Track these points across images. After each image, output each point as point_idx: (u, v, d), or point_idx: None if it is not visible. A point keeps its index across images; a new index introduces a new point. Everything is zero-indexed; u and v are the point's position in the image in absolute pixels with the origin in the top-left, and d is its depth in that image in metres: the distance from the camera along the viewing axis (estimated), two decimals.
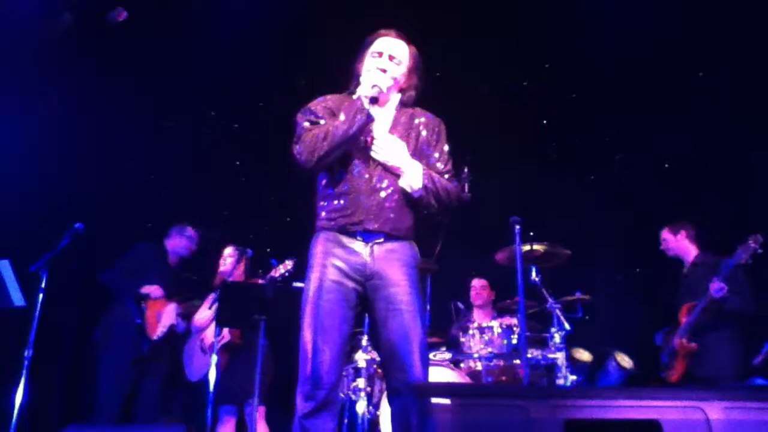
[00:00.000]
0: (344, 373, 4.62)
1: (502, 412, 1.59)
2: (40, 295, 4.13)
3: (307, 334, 2.59)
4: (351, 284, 2.65)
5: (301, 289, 3.12)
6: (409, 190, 2.72)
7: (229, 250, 5.00)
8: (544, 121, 6.90)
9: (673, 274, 5.15)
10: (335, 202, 2.73)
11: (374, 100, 2.68)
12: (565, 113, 6.64)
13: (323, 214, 2.76)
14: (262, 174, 6.81)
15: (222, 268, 4.95)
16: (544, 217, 5.72)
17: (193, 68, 6.25)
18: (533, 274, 4.59)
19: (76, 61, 6.02)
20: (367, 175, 2.71)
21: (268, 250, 5.08)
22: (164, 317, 4.95)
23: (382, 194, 2.70)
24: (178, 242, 5.27)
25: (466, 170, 4.09)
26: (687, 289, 4.88)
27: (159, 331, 4.92)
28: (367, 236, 2.68)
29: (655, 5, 5.83)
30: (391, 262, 2.67)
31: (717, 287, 4.48)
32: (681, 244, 5.05)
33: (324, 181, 2.79)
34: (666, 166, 6.51)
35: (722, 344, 4.63)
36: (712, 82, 5.97)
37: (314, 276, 2.67)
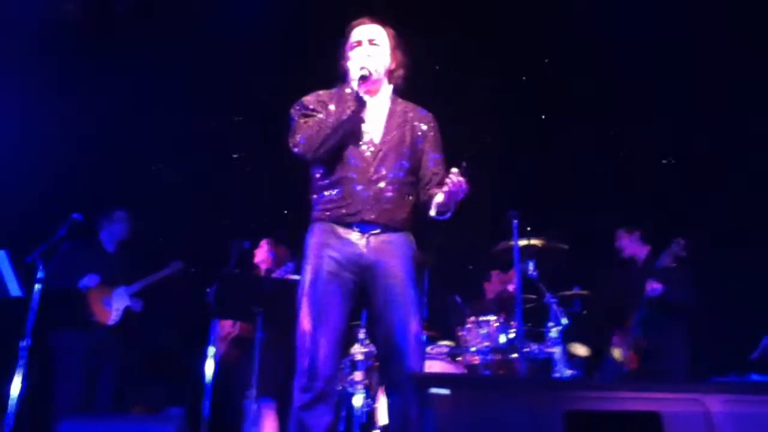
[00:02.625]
0: (341, 366, 4.62)
1: (503, 403, 1.59)
2: (37, 286, 4.13)
3: (303, 326, 2.60)
4: (347, 275, 2.65)
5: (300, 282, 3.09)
6: (438, 213, 2.72)
7: (263, 243, 5.10)
8: (543, 116, 6.89)
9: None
10: (331, 192, 2.72)
11: (363, 79, 2.68)
12: (564, 108, 6.63)
13: (319, 205, 2.76)
14: (262, 167, 6.79)
15: (257, 259, 5.02)
16: (542, 211, 5.72)
17: (194, 61, 6.23)
18: (530, 268, 4.60)
19: (77, 53, 6.00)
20: (363, 166, 2.71)
21: (270, 239, 5.07)
22: (114, 301, 4.93)
23: (380, 185, 2.70)
24: (111, 229, 5.19)
25: (464, 164, 4.08)
26: (638, 286, 5.14)
27: (113, 315, 4.89)
28: (364, 227, 2.68)
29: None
30: (387, 254, 2.67)
31: (651, 287, 4.91)
32: (635, 245, 5.36)
33: (320, 172, 2.78)
34: (663, 162, 6.52)
35: (671, 341, 4.97)
36: (712, 77, 5.96)
37: (310, 267, 2.67)
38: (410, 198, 2.80)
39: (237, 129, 6.97)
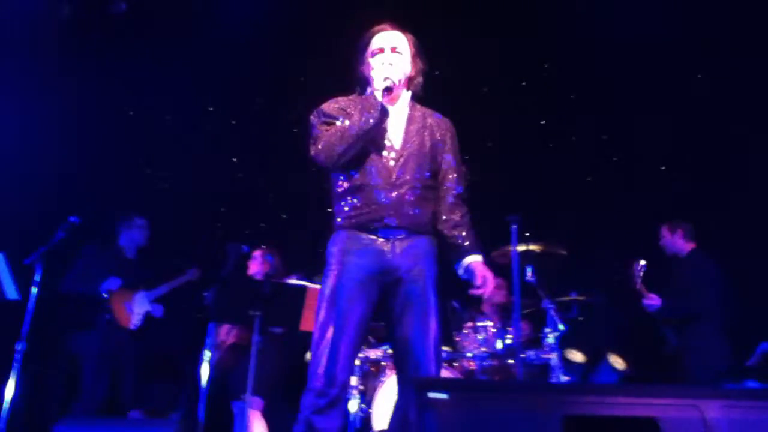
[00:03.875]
0: None
1: (501, 407, 1.59)
2: (34, 289, 4.11)
3: (324, 332, 2.58)
4: (370, 282, 2.64)
5: (297, 286, 3.10)
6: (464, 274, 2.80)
7: (256, 254, 5.06)
8: (543, 121, 6.90)
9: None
10: (353, 200, 2.71)
11: (388, 90, 2.67)
12: (563, 114, 6.64)
13: (342, 212, 2.75)
14: (259, 171, 6.79)
15: (252, 270, 4.98)
16: (541, 216, 5.72)
17: (192, 64, 6.24)
18: (529, 273, 4.59)
19: (75, 55, 6.01)
20: (385, 172, 2.70)
21: (264, 247, 5.05)
22: (136, 306, 5.02)
23: (402, 189, 2.69)
24: (131, 235, 5.27)
25: (463, 168, 4.08)
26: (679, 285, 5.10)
27: (135, 319, 4.99)
28: (388, 233, 2.67)
29: (655, 5, 5.85)
30: (410, 258, 2.68)
31: (647, 303, 4.93)
32: (677, 243, 5.21)
33: (341, 180, 2.77)
34: (663, 168, 6.52)
35: (692, 344, 4.92)
36: (709, 82, 5.98)
37: (333, 274, 2.66)
38: (431, 202, 2.80)
39: (234, 133, 6.97)
